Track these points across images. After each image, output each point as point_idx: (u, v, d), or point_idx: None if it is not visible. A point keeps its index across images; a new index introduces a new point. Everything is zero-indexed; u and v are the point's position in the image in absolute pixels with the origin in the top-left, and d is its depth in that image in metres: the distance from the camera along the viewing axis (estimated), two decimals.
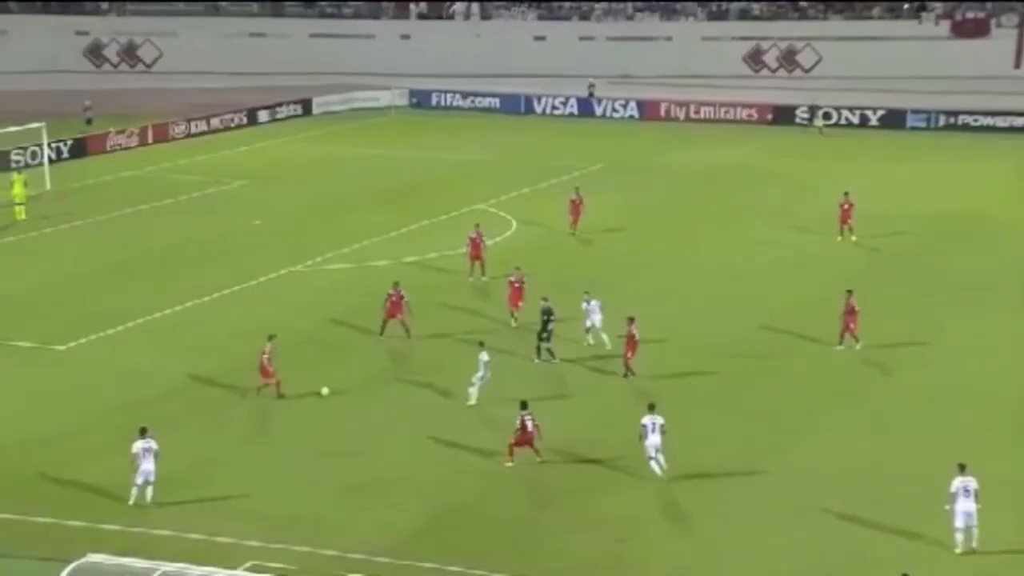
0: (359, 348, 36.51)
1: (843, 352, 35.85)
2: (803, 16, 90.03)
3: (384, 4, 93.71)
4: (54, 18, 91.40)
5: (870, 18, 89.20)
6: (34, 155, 59.52)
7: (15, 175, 52.52)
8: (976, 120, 71.60)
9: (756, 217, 52.08)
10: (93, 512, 26.25)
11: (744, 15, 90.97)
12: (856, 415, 31.91)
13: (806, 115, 72.42)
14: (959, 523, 24.67)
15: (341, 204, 54.03)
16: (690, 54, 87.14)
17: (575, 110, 77.63)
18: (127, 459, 26.80)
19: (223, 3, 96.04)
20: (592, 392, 33.28)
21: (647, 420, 27.90)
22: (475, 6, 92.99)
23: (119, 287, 42.16)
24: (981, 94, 75.63)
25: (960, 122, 71.67)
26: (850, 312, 35.67)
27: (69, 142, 63.40)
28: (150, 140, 67.30)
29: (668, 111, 75.93)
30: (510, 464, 28.47)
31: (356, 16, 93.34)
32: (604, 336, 35.23)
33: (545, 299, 35.43)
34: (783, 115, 73.69)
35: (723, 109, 75.10)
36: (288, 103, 76.33)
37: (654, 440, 27.68)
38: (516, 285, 37.95)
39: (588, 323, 35.54)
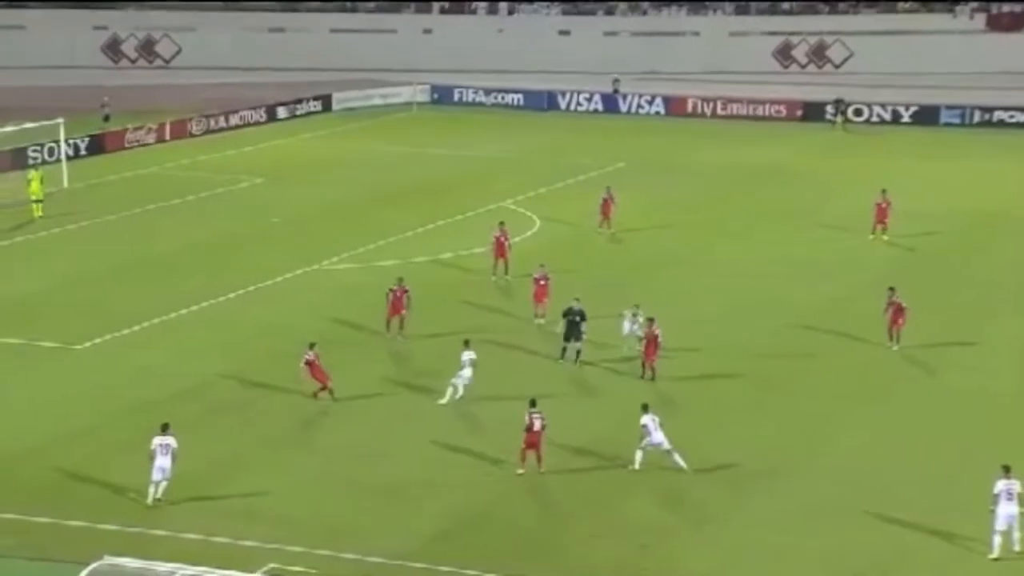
0: (376, 348, 36.09)
1: (875, 353, 35.39)
2: (833, 10, 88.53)
3: None
4: (71, 13, 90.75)
5: (902, 12, 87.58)
6: (51, 152, 59.08)
7: (32, 172, 52.08)
8: (1012, 116, 70.32)
9: (786, 216, 51.36)
10: (111, 513, 26.01)
11: (773, 9, 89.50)
12: (888, 417, 31.46)
13: (832, 111, 71.07)
14: (1000, 526, 24.31)
15: (360, 202, 53.61)
16: (717, 49, 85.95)
17: (600, 106, 76.75)
18: (145, 460, 26.62)
19: None
20: (615, 394, 32.56)
21: (646, 419, 27.85)
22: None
23: (136, 286, 41.84)
24: (1017, 90, 74.40)
25: (995, 119, 70.43)
26: (897, 310, 35.05)
27: (86, 139, 62.95)
28: (168, 137, 66.79)
29: (695, 107, 74.88)
30: (521, 472, 27.77)
31: (377, 10, 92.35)
32: (639, 348, 34.06)
33: (577, 300, 34.74)
34: (813, 112, 72.48)
35: (751, 106, 74.03)
36: (308, 99, 75.74)
37: (658, 437, 27.66)
38: (541, 283, 37.66)
39: (627, 331, 34.33)
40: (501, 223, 43.13)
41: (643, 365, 33.19)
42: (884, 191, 47.20)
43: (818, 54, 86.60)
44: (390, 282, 37.17)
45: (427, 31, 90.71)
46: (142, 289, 41.33)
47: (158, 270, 43.64)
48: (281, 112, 73.49)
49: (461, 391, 31.55)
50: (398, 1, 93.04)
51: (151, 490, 26.32)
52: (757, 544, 25.20)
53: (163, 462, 26.25)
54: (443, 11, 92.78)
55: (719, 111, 74.30)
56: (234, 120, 70.64)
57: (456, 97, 78.87)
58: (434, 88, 79.40)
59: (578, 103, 77.22)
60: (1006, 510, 24.24)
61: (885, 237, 46.41)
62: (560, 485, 27.61)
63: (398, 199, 53.80)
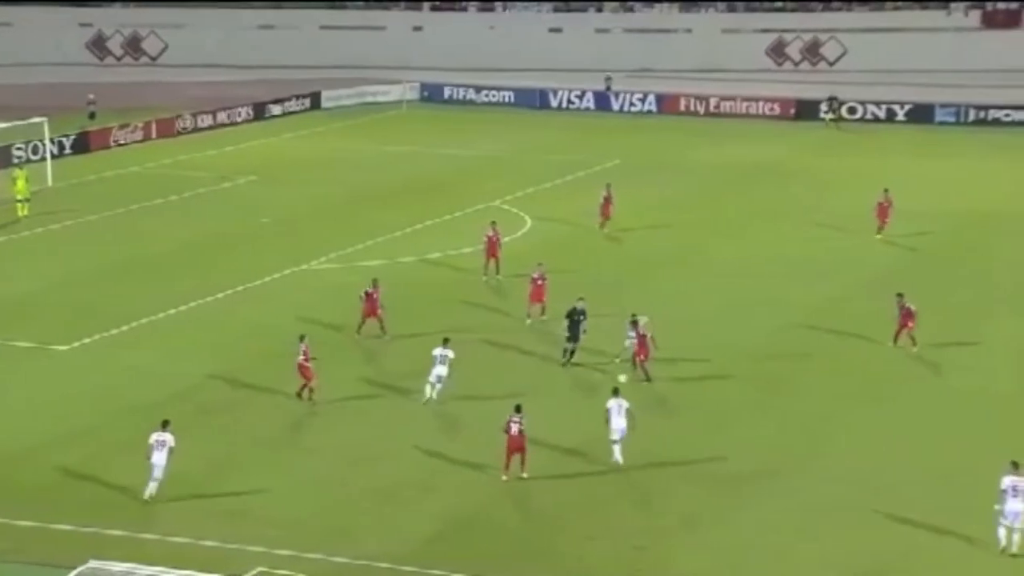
0: (366, 349, 35.67)
1: (873, 353, 35.12)
2: (827, 7, 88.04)
3: None
4: (57, 9, 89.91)
5: (896, 9, 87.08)
6: (36, 150, 58.56)
7: (17, 171, 51.56)
8: (1008, 115, 69.90)
9: (781, 215, 50.97)
10: (100, 516, 25.71)
11: (766, 6, 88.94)
12: (887, 417, 31.18)
13: (825, 108, 70.61)
14: (1006, 521, 24.31)
15: (349, 201, 53.17)
16: (710, 47, 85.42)
17: (592, 104, 76.22)
18: (135, 462, 26.55)
19: None
20: (608, 396, 31.68)
21: (612, 403, 27.72)
22: None
23: (122, 286, 41.46)
24: (1013, 88, 74.03)
25: (990, 117, 70.04)
26: (907, 314, 34.85)
27: (71, 137, 62.37)
28: (154, 135, 66.20)
29: (688, 105, 74.41)
30: (505, 478, 27.31)
31: (367, 7, 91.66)
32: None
33: (581, 299, 34.27)
34: (807, 110, 71.97)
35: (745, 104, 73.55)
36: (296, 97, 75.18)
37: (619, 423, 27.63)
38: (539, 282, 37.32)
39: (629, 343, 33.44)
40: (493, 222, 42.72)
41: (635, 366, 32.62)
42: (886, 190, 46.76)
43: (812, 51, 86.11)
44: (382, 281, 36.72)
45: (417, 28, 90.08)
46: (130, 289, 40.93)
47: (145, 270, 43.23)
48: (269, 110, 72.96)
49: (433, 390, 31.21)
50: None
51: (150, 486, 26.30)
52: (754, 545, 24.96)
53: (158, 458, 26.25)
54: (434, 8, 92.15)
55: (712, 109, 73.83)
56: (222, 118, 70.06)
57: (446, 95, 78.31)
58: (424, 86, 78.85)
59: (570, 101, 76.67)
60: (1012, 507, 24.14)
61: (878, 236, 46.03)
62: (553, 487, 27.27)
63: (388, 198, 53.34)
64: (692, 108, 74.21)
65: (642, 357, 32.62)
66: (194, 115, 68.84)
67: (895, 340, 35.00)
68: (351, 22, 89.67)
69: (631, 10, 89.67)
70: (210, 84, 79.82)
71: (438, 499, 26.81)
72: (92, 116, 68.93)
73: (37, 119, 57.05)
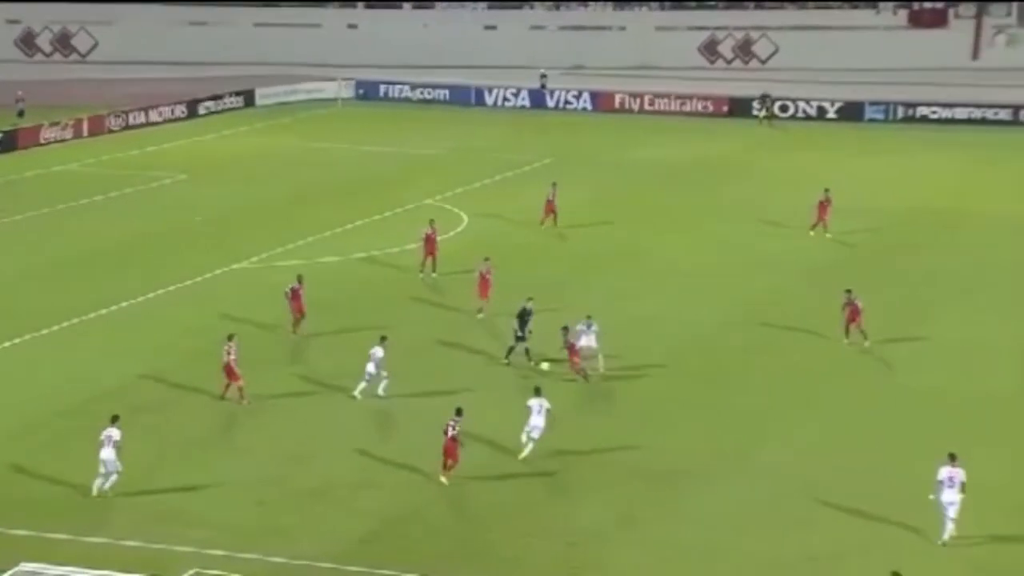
0: (300, 348, 35.51)
1: (815, 349, 35.38)
2: (759, 5, 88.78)
3: None
4: None
5: (827, 7, 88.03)
6: None
7: None
8: (934, 112, 70.86)
9: (720, 212, 51.26)
10: (30, 519, 25.32)
11: (699, 4, 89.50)
12: (828, 412, 31.38)
13: (758, 106, 71.21)
14: (943, 512, 24.66)
15: (284, 199, 52.79)
16: (644, 44, 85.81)
17: (527, 102, 76.25)
18: (65, 464, 26.54)
19: None
20: (550, 394, 31.46)
21: (533, 402, 28.15)
22: None
23: (52, 287, 40.91)
24: (939, 86, 75.03)
25: (918, 114, 70.94)
26: (854, 310, 35.22)
27: None
28: (85, 133, 65.34)
29: (623, 103, 74.65)
30: (443, 480, 27.12)
31: (301, 4, 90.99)
32: (601, 359, 33.15)
33: (530, 299, 34.36)
34: (739, 107, 72.54)
35: (679, 101, 73.95)
36: (230, 94, 74.42)
37: (537, 421, 28.02)
38: (486, 276, 37.41)
39: (583, 342, 33.25)
40: (431, 220, 42.63)
41: (575, 371, 32.50)
42: (827, 189, 47.11)
43: (744, 50, 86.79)
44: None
45: (352, 26, 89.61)
46: (59, 290, 40.41)
47: (76, 270, 42.68)
48: (203, 108, 72.21)
49: (362, 386, 31.30)
50: None
51: (96, 482, 26.11)
52: (691, 541, 25.03)
53: (105, 454, 26.04)
54: (368, 6, 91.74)
55: (646, 106, 74.19)
56: (154, 116, 69.32)
57: (382, 93, 78.02)
58: (359, 84, 78.47)
59: (505, 99, 76.67)
60: (948, 497, 24.43)
61: (828, 235, 46.30)
62: (489, 486, 27.20)
63: (323, 196, 53.05)
64: (627, 105, 74.53)
65: (576, 359, 32.55)
66: (125, 113, 68.03)
67: (847, 335, 35.27)
68: (285, 19, 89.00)
69: (557, 8, 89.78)
70: (142, 81, 78.81)
71: (373, 498, 26.66)
72: (21, 114, 67.86)
73: None
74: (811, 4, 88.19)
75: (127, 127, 67.32)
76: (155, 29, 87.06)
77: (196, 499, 26.49)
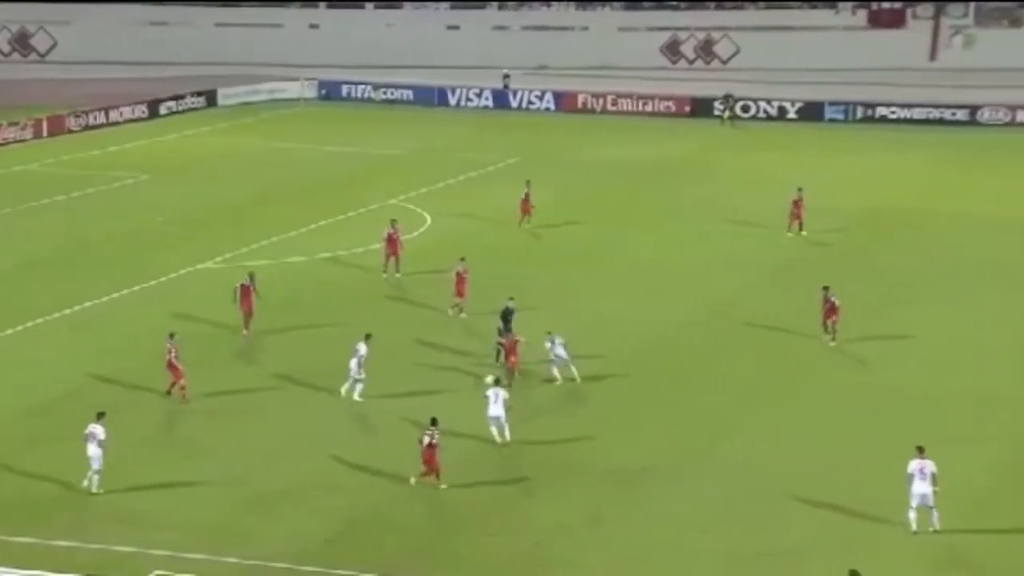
0: (266, 348, 35.45)
1: (783, 347, 35.62)
2: (720, 6, 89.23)
3: None
4: None
5: (787, 8, 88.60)
6: None
7: None
8: (893, 112, 71.39)
9: (685, 211, 51.43)
10: None
11: (661, 4, 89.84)
12: (793, 410, 31.52)
13: (720, 107, 71.59)
14: (914, 503, 25.04)
15: (247, 199, 52.61)
16: (607, 44, 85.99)
17: (490, 102, 76.25)
18: (24, 466, 26.66)
19: None
20: (515, 395, 31.61)
21: (490, 392, 28.64)
22: None
23: (12, 288, 40.67)
24: (898, 86, 75.64)
25: (877, 114, 71.47)
26: (831, 308, 35.44)
27: None
28: (45, 133, 64.85)
29: (585, 103, 74.83)
30: (413, 481, 27.08)
31: (263, 4, 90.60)
32: (574, 368, 33.08)
33: (511, 299, 34.54)
34: (701, 108, 72.84)
35: (641, 101, 74.18)
36: (191, 94, 74.02)
37: (494, 411, 28.55)
38: (463, 275, 37.60)
39: (552, 357, 33.21)
40: (393, 220, 42.61)
41: (510, 371, 32.43)
42: (800, 188, 47.24)
43: (706, 50, 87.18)
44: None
45: (314, 26, 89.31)
46: (20, 291, 40.19)
47: (38, 270, 42.43)
48: (164, 108, 71.78)
49: (348, 384, 31.33)
50: None
51: (93, 479, 26.28)
52: (656, 540, 25.13)
53: (90, 450, 26.18)
54: (330, 6, 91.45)
55: (609, 107, 74.36)
56: (114, 116, 68.84)
57: (344, 93, 77.80)
58: (322, 84, 78.20)
59: (468, 99, 76.64)
60: (919, 489, 24.86)
61: (804, 233, 46.51)
62: (456, 486, 27.11)
63: (285, 197, 52.88)
64: (590, 105, 74.69)
65: (513, 358, 32.61)
66: (86, 113, 67.54)
67: (824, 331, 35.47)
68: (247, 19, 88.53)
69: (517, 8, 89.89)
70: (102, 81, 78.25)
71: (338, 499, 26.61)
72: None
73: None
74: (772, 4, 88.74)
75: (87, 127, 66.86)
76: (115, 29, 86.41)
77: (160, 500, 26.37)
